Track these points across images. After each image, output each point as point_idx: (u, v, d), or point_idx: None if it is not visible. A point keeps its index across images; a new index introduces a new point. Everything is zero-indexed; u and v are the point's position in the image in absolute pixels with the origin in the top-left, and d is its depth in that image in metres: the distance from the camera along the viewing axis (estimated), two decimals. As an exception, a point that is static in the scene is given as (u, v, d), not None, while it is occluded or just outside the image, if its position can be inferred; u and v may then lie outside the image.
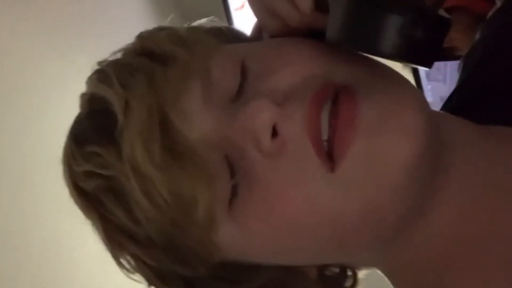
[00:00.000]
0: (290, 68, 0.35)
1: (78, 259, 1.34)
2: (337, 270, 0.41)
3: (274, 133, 0.33)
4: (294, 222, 0.33)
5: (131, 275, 0.40)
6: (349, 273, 0.42)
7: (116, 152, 0.35)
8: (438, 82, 1.42)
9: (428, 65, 0.32)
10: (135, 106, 0.35)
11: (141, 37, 0.41)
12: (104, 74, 0.38)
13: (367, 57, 0.36)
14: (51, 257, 1.32)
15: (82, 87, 0.41)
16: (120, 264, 0.40)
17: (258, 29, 0.43)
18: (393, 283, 0.41)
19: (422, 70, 1.27)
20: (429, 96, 1.47)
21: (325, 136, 0.33)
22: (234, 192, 0.35)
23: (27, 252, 1.23)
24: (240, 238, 0.36)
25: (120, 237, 0.38)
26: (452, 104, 0.48)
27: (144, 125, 0.34)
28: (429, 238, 0.36)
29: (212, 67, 0.36)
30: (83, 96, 0.41)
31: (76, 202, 0.40)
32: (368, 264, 0.41)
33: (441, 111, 0.46)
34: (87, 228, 0.41)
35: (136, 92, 0.35)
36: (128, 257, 0.39)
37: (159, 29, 0.41)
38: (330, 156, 0.33)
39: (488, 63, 0.48)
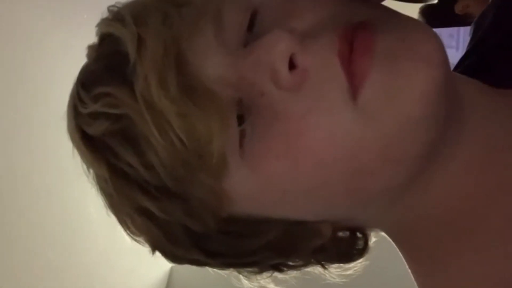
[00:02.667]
0: (309, 9, 0.34)
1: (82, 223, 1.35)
2: (347, 234, 0.41)
3: (292, 66, 0.32)
4: (314, 155, 0.32)
5: (135, 237, 0.39)
6: (359, 235, 0.42)
7: (128, 89, 0.33)
8: (451, 49, 1.47)
9: None
10: (149, 41, 0.33)
11: None
12: (115, 13, 0.37)
13: (384, 5, 0.36)
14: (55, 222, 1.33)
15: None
16: (124, 224, 0.39)
17: None
18: (396, 243, 0.41)
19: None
20: None
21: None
22: (242, 136, 0.34)
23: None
24: (253, 185, 0.35)
25: (128, 187, 0.36)
26: (463, 68, 0.48)
27: (159, 59, 0.33)
28: (435, 197, 0.36)
29: (224, 11, 0.35)
30: (90, 46, 0.39)
31: (80, 150, 0.37)
32: (375, 223, 0.41)
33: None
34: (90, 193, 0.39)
35: (151, 29, 0.34)
36: (135, 215, 0.37)
37: None
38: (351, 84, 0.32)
39: (497, 26, 0.47)
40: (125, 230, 0.39)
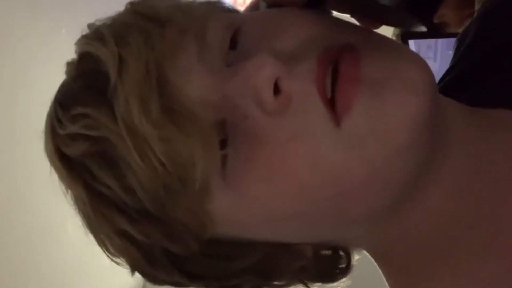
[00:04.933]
0: (293, 30, 0.34)
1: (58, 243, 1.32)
2: (329, 252, 0.41)
3: (276, 90, 0.32)
4: (297, 181, 0.32)
5: (114, 258, 0.38)
6: (342, 254, 0.41)
7: (108, 111, 0.33)
8: (428, 60, 1.49)
9: (426, 21, 0.31)
10: (131, 62, 0.32)
11: (133, 3, 0.38)
12: (96, 32, 0.36)
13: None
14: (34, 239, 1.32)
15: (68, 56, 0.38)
16: (102, 245, 0.38)
17: (255, 4, 0.43)
18: (376, 261, 0.41)
19: (412, 46, 1.26)
20: None
21: (328, 94, 0.32)
22: (225, 160, 0.33)
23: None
24: (235, 208, 0.34)
25: (107, 210, 0.35)
26: (444, 84, 0.48)
27: (141, 82, 0.32)
28: (417, 220, 0.36)
29: (208, 29, 0.35)
30: (70, 62, 0.38)
31: (58, 171, 0.36)
32: (356, 244, 0.41)
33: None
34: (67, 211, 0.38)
35: (132, 49, 0.33)
36: (114, 236, 0.36)
37: None
38: (334, 112, 0.32)
39: (477, 44, 0.47)
40: (104, 251, 0.38)
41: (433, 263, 0.36)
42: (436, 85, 0.32)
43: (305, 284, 0.41)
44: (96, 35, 0.36)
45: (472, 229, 0.35)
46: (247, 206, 0.34)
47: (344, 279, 0.42)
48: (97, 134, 0.33)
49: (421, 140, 0.31)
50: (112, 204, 0.35)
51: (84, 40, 0.37)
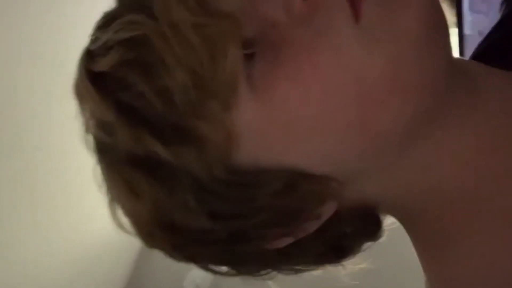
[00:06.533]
0: None
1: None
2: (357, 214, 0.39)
3: None
4: (323, 78, 0.32)
5: (133, 210, 0.37)
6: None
7: (147, 12, 0.33)
8: (480, 14, 1.16)
9: None
10: None
11: None
12: None
13: None
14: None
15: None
16: (123, 189, 0.36)
17: None
18: (403, 223, 0.41)
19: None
20: (468, 29, 1.20)
21: None
22: (252, 67, 0.34)
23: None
24: (261, 118, 0.34)
25: (137, 128, 0.34)
26: (485, 46, 0.51)
27: None
28: (443, 168, 0.37)
29: None
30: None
31: (87, 95, 0.36)
32: (382, 199, 0.39)
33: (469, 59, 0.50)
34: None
35: None
36: (139, 171, 0.35)
37: None
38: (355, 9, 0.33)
39: None
40: (121, 202, 0.37)
41: (461, 223, 0.37)
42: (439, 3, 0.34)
43: (334, 259, 0.41)
44: None
45: (499, 189, 0.36)
46: (273, 115, 0.34)
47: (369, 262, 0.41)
48: (134, 34, 0.34)
49: (435, 39, 0.33)
50: (143, 120, 0.34)
51: None
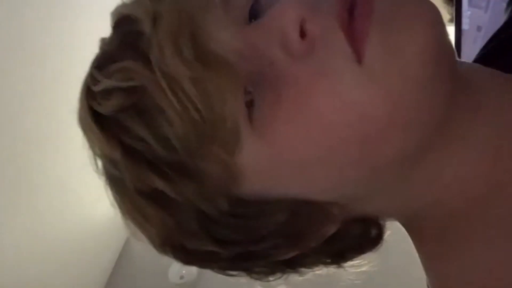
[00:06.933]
0: None
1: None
2: (359, 223, 0.40)
3: (302, 34, 0.32)
4: (323, 119, 0.32)
5: (144, 231, 0.38)
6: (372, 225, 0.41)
7: (144, 61, 0.34)
8: (479, 9, 1.12)
9: None
10: (164, 14, 0.34)
11: None
12: None
13: None
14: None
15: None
16: (132, 214, 0.38)
17: None
18: (407, 230, 0.41)
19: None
20: (466, 23, 1.19)
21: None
22: (252, 108, 0.34)
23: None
24: (264, 156, 0.34)
25: (141, 167, 0.35)
26: (490, 48, 0.50)
27: (174, 28, 0.33)
28: (446, 180, 0.36)
29: None
30: (103, 38, 0.39)
31: (91, 132, 0.37)
32: (386, 209, 0.40)
33: (473, 63, 0.49)
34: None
35: (165, 3, 0.35)
36: (146, 201, 0.36)
37: None
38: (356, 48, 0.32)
39: None
40: (133, 222, 0.38)
41: (464, 232, 0.37)
42: (444, 27, 0.33)
43: (337, 262, 0.42)
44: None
45: (504, 196, 0.36)
46: (275, 154, 0.34)
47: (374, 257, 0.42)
48: (132, 84, 0.34)
49: (438, 72, 0.32)
50: (146, 160, 0.35)
51: (119, 6, 0.38)
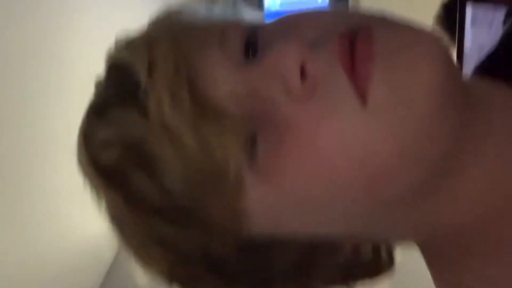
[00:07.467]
0: (312, 20, 0.34)
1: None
2: (370, 250, 0.40)
3: (303, 76, 0.31)
4: (328, 164, 0.31)
5: (150, 269, 0.38)
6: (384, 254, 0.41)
7: (141, 111, 0.33)
8: (482, 29, 1.12)
9: None
10: (159, 62, 0.33)
11: (158, 16, 0.39)
12: (124, 41, 0.37)
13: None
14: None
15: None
16: (139, 256, 0.38)
17: None
18: (424, 255, 0.39)
19: (468, 12, 1.04)
20: (469, 41, 1.21)
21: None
22: (255, 153, 0.33)
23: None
24: (269, 201, 0.34)
25: (145, 215, 0.35)
26: (489, 61, 0.50)
27: (171, 77, 0.33)
28: (458, 204, 0.35)
29: (229, 30, 0.35)
30: (97, 82, 0.38)
31: (93, 183, 0.37)
32: (401, 233, 0.39)
33: (473, 77, 0.49)
34: None
35: (160, 51, 0.34)
36: (151, 244, 0.36)
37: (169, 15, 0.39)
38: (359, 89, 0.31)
39: None
40: (140, 263, 0.38)
41: (479, 253, 0.35)
42: (450, 55, 0.32)
43: (347, 285, 0.41)
44: (124, 44, 0.37)
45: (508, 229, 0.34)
46: (281, 196, 0.34)
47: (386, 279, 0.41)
48: (131, 135, 0.34)
49: (446, 107, 0.30)
50: (150, 209, 0.35)
51: (113, 51, 0.38)
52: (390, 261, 0.41)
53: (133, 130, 0.34)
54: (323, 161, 0.31)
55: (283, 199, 0.34)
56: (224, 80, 0.33)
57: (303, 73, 0.31)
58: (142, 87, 0.33)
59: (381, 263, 0.41)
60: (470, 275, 0.36)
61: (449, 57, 0.31)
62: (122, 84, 0.35)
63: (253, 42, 0.35)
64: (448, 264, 0.37)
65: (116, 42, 0.38)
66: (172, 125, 0.32)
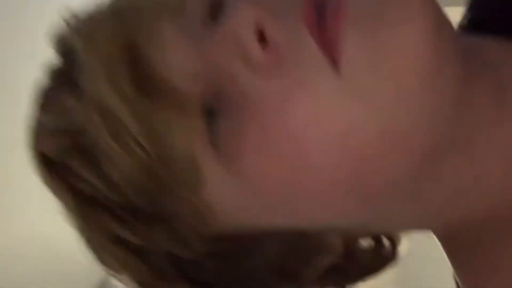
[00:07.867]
0: None
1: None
2: (366, 243, 0.35)
3: (264, 43, 0.26)
4: (299, 144, 0.27)
5: (119, 275, 0.34)
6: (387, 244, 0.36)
7: (78, 96, 0.30)
8: None
9: None
10: (100, 40, 0.29)
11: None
12: (66, 24, 0.34)
13: None
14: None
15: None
16: (105, 260, 0.34)
17: None
18: (439, 240, 0.35)
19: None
20: None
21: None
22: (214, 136, 0.29)
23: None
24: (235, 190, 0.30)
25: (96, 214, 0.31)
26: (478, 15, 0.40)
27: (109, 56, 0.29)
28: (463, 190, 0.31)
29: (186, 3, 0.30)
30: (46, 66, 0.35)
31: (42, 177, 0.33)
32: (399, 226, 0.35)
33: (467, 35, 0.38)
34: None
35: (103, 28, 0.30)
36: (110, 246, 0.32)
37: None
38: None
39: None
40: (108, 268, 0.34)
41: (498, 242, 0.31)
42: (442, 12, 0.27)
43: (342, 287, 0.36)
44: (70, 26, 0.34)
45: None
46: (247, 185, 0.29)
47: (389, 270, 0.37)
48: (71, 123, 0.31)
49: (437, 73, 0.25)
50: (101, 207, 0.31)
51: (57, 28, 0.34)
52: (394, 252, 0.36)
53: (73, 118, 0.30)
54: (293, 143, 0.27)
55: (249, 187, 0.29)
56: (176, 56, 0.29)
57: (263, 39, 0.27)
58: (77, 66, 0.30)
59: (383, 256, 0.36)
60: (490, 266, 0.31)
61: (439, 10, 0.26)
62: (61, 66, 0.33)
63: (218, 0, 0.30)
64: (477, 253, 0.32)
65: (62, 20, 0.34)
66: (109, 106, 0.28)
